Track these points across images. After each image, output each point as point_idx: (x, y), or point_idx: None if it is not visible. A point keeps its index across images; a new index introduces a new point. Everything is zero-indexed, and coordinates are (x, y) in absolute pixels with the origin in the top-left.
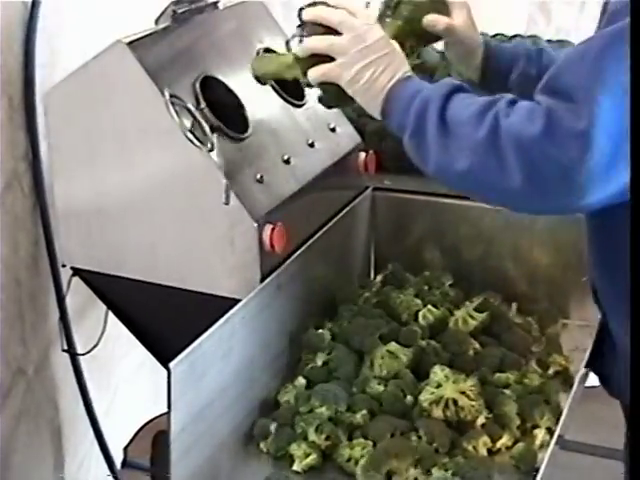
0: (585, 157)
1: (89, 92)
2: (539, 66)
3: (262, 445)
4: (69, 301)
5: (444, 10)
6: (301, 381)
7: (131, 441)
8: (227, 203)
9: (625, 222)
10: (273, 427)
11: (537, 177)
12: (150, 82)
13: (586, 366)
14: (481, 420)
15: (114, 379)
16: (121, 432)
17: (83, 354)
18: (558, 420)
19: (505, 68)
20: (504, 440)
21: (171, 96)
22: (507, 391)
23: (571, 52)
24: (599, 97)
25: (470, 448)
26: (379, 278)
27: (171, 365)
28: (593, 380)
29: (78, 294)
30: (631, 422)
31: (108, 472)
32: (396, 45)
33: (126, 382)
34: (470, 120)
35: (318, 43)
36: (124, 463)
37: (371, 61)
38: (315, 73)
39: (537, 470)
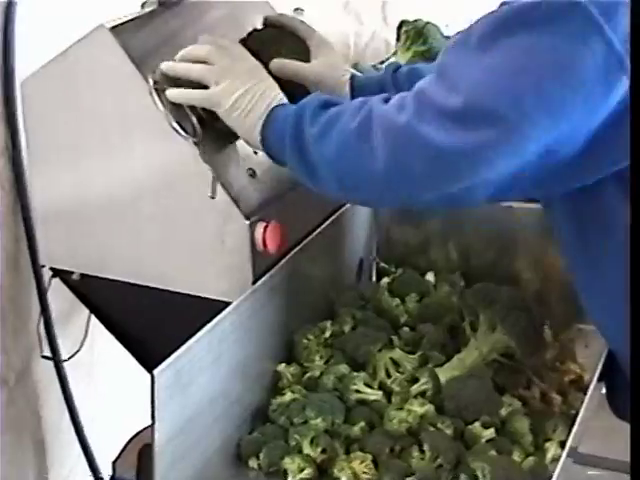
0: (456, 134)
1: (69, 80)
2: (410, 85)
3: (251, 463)
4: (51, 304)
5: (303, 53)
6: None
7: (119, 455)
8: (213, 197)
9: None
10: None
11: (402, 158)
12: (134, 69)
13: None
14: (489, 434)
15: (101, 387)
16: (109, 444)
17: (64, 360)
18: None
19: None
20: (514, 456)
21: (156, 84)
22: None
23: (459, 35)
24: (469, 72)
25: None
26: (385, 280)
27: (155, 372)
28: None
29: (60, 297)
30: (632, 430)
31: None
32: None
33: (114, 391)
34: (346, 114)
35: (190, 70)
36: (112, 478)
37: (247, 89)
38: (198, 95)
39: None
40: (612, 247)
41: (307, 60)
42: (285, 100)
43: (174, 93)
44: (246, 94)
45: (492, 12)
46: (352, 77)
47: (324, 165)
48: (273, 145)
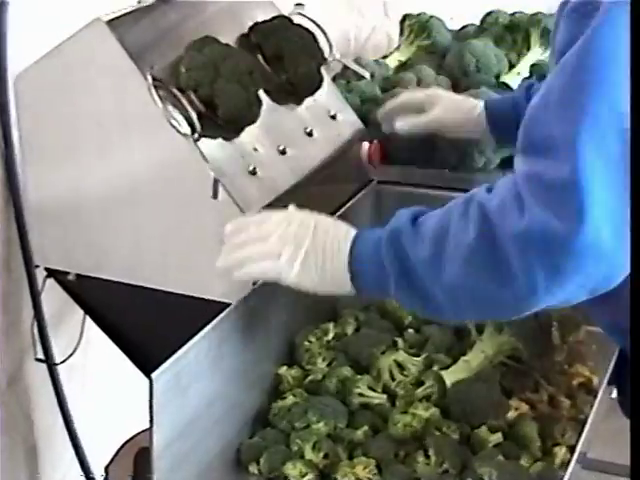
0: (578, 204)
1: (64, 76)
2: None
3: (251, 468)
4: (44, 306)
5: (306, 46)
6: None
7: (113, 459)
8: (215, 197)
9: None
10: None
11: (548, 263)
12: (132, 65)
13: (609, 383)
14: (496, 439)
15: (95, 391)
16: (103, 448)
17: (58, 363)
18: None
19: (513, 121)
20: (522, 461)
21: (154, 80)
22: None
23: (534, 101)
24: (576, 136)
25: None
26: None
27: (153, 375)
28: None
29: (54, 298)
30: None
31: None
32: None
33: (109, 394)
34: (452, 222)
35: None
36: None
37: (307, 249)
38: (270, 266)
39: None
40: None
41: (313, 54)
42: (352, 232)
43: (246, 271)
44: (309, 254)
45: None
46: (486, 103)
47: (444, 290)
48: (372, 284)
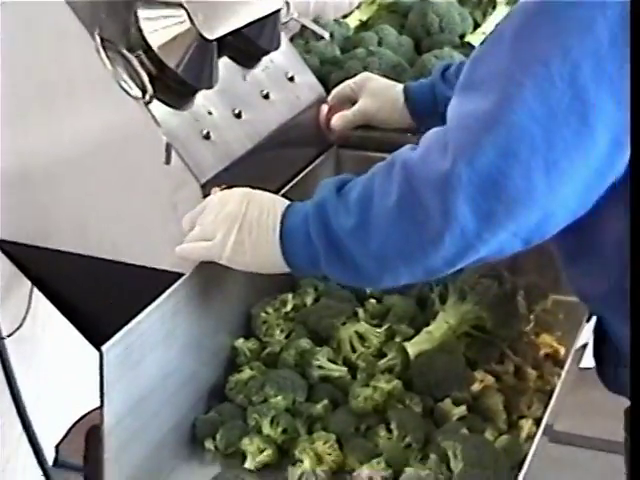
0: (505, 140)
1: (7, 35)
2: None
3: (207, 444)
4: None
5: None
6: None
7: (64, 438)
8: (168, 163)
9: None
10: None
11: (479, 204)
12: (78, 23)
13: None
14: (460, 412)
15: (45, 365)
16: (54, 426)
17: (6, 337)
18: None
19: (431, 106)
20: (487, 435)
21: (103, 40)
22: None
23: (484, 42)
24: (521, 78)
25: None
26: None
27: (104, 348)
28: (588, 361)
29: (0, 269)
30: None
31: (38, 472)
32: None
33: (59, 369)
34: (375, 188)
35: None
36: (55, 462)
37: (240, 225)
38: (205, 249)
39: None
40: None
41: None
42: (285, 207)
43: (183, 249)
44: (241, 233)
45: None
46: (405, 89)
47: (374, 258)
48: (303, 260)
